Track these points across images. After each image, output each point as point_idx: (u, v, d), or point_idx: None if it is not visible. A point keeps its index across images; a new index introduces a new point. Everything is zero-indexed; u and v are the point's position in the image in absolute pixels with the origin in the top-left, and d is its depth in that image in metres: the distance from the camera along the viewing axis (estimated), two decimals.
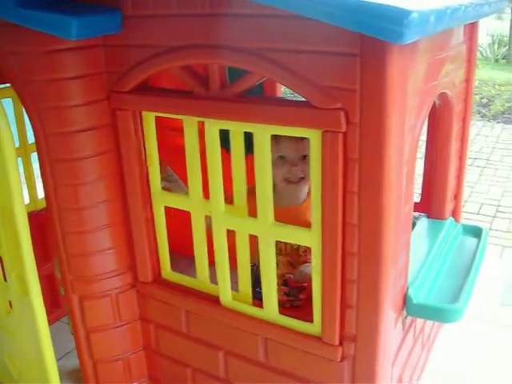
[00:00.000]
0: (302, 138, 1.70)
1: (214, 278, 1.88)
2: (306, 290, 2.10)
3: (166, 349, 2.08)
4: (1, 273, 2.12)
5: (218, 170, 1.66)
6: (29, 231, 1.84)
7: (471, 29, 2.11)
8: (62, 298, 2.31)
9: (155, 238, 1.94)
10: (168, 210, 1.90)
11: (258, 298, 1.80)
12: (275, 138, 1.80)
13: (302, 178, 1.99)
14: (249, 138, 1.60)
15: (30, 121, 1.77)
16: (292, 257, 2.09)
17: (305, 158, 1.92)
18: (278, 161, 1.93)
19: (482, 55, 12.59)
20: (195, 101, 1.61)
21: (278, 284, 1.74)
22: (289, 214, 1.87)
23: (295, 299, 2.17)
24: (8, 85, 1.89)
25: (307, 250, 2.00)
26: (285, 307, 2.02)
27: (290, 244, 2.04)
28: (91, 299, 1.98)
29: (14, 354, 2.27)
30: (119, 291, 2.00)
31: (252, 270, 1.80)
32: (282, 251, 2.07)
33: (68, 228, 1.88)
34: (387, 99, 1.31)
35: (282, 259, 2.10)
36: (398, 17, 1.10)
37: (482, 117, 7.73)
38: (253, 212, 1.67)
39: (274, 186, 1.87)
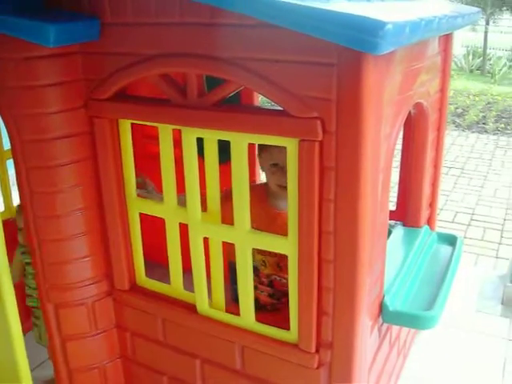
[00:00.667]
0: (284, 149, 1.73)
1: (188, 286, 1.89)
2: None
3: (143, 357, 2.07)
4: None
5: (195, 178, 1.67)
6: (3, 238, 1.82)
7: (446, 40, 2.14)
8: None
9: (131, 245, 1.94)
10: (143, 218, 1.90)
11: (235, 296, 1.79)
12: (268, 148, 1.87)
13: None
14: (222, 147, 1.61)
15: (6, 127, 1.76)
16: (280, 258, 2.09)
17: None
18: (272, 168, 1.96)
19: (457, 66, 12.75)
20: (173, 109, 1.61)
21: (263, 284, 1.74)
22: (285, 216, 1.90)
23: (278, 302, 2.16)
24: None
25: None
26: (266, 310, 2.03)
27: None
28: (67, 307, 1.96)
29: None
30: (95, 299, 1.98)
31: (230, 266, 1.79)
32: (270, 252, 2.07)
33: (44, 236, 1.87)
34: (363, 108, 1.32)
35: (271, 260, 2.11)
36: (374, 28, 1.12)
37: (456, 126, 7.82)
38: (226, 219, 1.68)
39: (271, 190, 1.97)
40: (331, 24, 1.18)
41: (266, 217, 1.99)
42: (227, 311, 1.81)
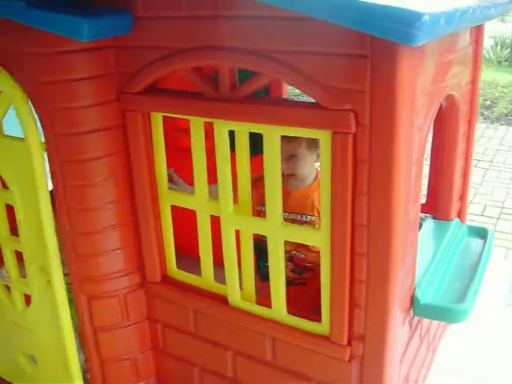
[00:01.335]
0: (291, 141, 1.77)
1: (218, 277, 1.90)
2: (312, 270, 2.13)
3: (174, 348, 2.09)
4: (16, 270, 2.15)
5: (227, 171, 1.68)
6: (53, 222, 1.89)
7: (477, 31, 2.12)
8: None
9: (162, 238, 1.96)
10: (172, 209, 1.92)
11: (262, 273, 1.80)
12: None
13: (292, 175, 2.06)
14: (252, 140, 1.62)
15: (40, 121, 1.78)
16: None
17: (293, 157, 2.00)
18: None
19: (485, 57, 12.58)
20: (205, 102, 1.62)
21: (285, 260, 1.75)
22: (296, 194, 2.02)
23: (300, 277, 2.17)
24: None
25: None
26: (292, 284, 2.03)
27: (299, 221, 2.06)
28: (99, 299, 1.99)
29: (32, 350, 2.30)
30: (127, 291, 2.01)
31: (260, 243, 1.81)
32: None
33: (77, 228, 1.89)
34: (397, 100, 1.32)
35: None
36: (411, 19, 1.12)
37: (485, 119, 7.73)
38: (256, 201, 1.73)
39: None
40: (367, 15, 1.17)
41: None
42: (257, 292, 1.83)
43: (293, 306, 1.76)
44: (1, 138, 1.94)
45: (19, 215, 1.98)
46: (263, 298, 1.82)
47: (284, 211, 1.69)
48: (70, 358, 2.08)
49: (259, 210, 1.95)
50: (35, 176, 1.83)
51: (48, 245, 1.91)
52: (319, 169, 1.53)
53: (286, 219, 1.92)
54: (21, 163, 1.87)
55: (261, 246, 1.81)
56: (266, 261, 1.73)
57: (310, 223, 2.06)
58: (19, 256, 2.13)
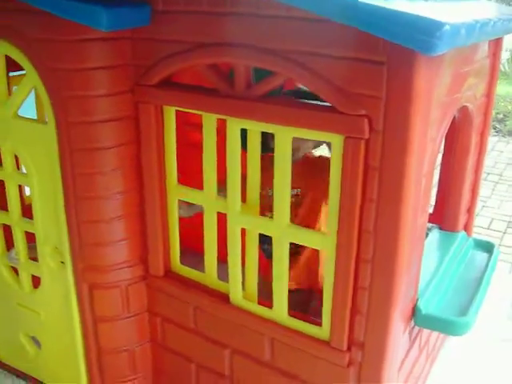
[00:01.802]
0: None
1: (220, 275, 1.90)
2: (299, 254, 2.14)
3: (172, 343, 2.09)
4: (25, 252, 2.17)
5: (237, 169, 1.67)
6: None
7: (496, 44, 2.11)
8: None
9: (168, 232, 1.95)
10: None
11: (266, 254, 1.83)
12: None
13: None
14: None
15: (53, 109, 1.78)
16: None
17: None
18: None
19: (500, 70, 12.49)
20: (220, 99, 1.61)
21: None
22: None
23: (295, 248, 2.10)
24: (21, 72, 1.91)
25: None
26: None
27: None
28: (101, 289, 1.99)
29: (36, 332, 2.32)
30: (129, 283, 2.00)
31: None
32: None
33: (83, 216, 1.89)
34: (412, 109, 1.31)
35: None
36: (432, 28, 1.11)
37: (497, 132, 7.69)
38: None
39: None
40: (389, 22, 1.16)
41: None
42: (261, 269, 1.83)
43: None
44: (20, 121, 1.95)
45: (35, 197, 2.00)
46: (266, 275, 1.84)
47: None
48: (77, 341, 2.10)
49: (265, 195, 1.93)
50: (55, 159, 1.85)
51: (63, 226, 1.93)
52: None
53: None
54: (41, 146, 1.89)
55: None
56: (270, 243, 1.72)
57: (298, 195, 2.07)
58: (27, 238, 2.15)
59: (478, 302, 1.91)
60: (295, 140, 1.56)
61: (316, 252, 2.09)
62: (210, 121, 1.70)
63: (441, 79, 1.47)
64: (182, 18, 1.61)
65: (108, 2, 1.59)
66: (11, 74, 2.07)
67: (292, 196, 1.76)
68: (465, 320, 1.80)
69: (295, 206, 2.05)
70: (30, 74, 1.82)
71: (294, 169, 1.62)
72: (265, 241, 1.81)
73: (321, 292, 1.66)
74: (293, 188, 1.70)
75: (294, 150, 1.61)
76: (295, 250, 2.11)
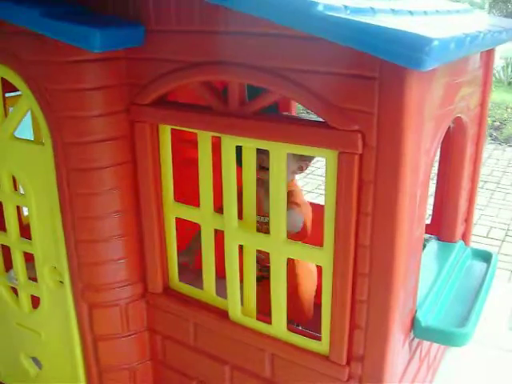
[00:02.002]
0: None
1: (219, 291, 1.91)
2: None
3: (173, 360, 2.09)
4: (24, 272, 2.18)
5: (233, 186, 1.68)
6: None
7: (488, 54, 2.12)
8: None
9: (166, 249, 1.96)
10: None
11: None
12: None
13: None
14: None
15: (49, 129, 1.79)
16: None
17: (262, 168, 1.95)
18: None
19: (495, 78, 12.58)
20: (214, 116, 1.62)
21: None
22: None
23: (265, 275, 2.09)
24: (17, 93, 1.94)
25: None
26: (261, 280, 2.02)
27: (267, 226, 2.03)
28: (101, 307, 1.99)
29: (37, 352, 2.32)
30: (129, 301, 2.01)
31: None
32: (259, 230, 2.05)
33: (81, 236, 1.89)
34: (404, 123, 1.32)
35: None
36: (420, 44, 1.12)
37: (493, 140, 7.73)
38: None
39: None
40: (376, 38, 1.17)
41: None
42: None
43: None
44: (17, 142, 1.96)
45: (33, 217, 2.01)
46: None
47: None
48: (78, 360, 2.10)
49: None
50: (52, 179, 1.86)
51: (61, 246, 1.94)
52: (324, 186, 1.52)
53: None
54: (38, 167, 1.91)
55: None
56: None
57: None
58: (26, 258, 2.16)
59: (478, 312, 1.91)
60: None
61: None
62: (205, 138, 1.71)
63: (433, 92, 1.48)
64: (175, 37, 1.62)
65: (101, 23, 1.61)
66: (7, 94, 2.09)
67: (264, 224, 1.76)
68: (464, 331, 1.79)
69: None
70: (25, 96, 1.83)
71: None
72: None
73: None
74: (263, 215, 1.72)
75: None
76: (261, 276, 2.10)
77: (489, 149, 7.15)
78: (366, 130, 1.38)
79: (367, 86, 1.34)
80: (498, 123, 8.61)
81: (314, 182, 5.67)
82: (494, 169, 6.32)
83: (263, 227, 2.08)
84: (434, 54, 1.13)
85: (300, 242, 1.71)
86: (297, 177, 2.38)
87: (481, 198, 5.21)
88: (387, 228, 1.43)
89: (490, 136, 7.83)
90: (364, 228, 1.47)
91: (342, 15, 1.22)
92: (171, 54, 1.64)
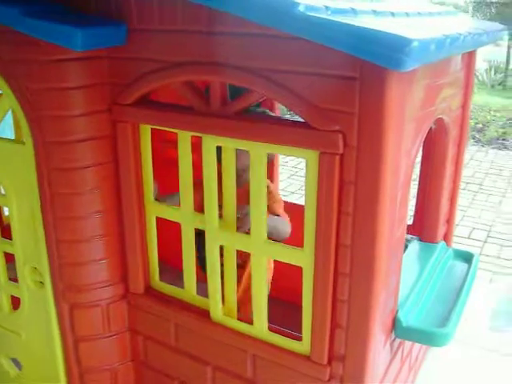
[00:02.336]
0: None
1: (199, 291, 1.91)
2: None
3: (154, 361, 2.08)
4: (5, 272, 2.17)
5: (214, 185, 1.68)
6: None
7: (469, 56, 2.14)
8: None
9: (147, 249, 1.95)
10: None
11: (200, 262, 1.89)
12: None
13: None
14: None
15: (30, 129, 1.78)
16: None
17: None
18: None
19: (479, 80, 12.69)
20: (195, 116, 1.62)
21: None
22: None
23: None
24: None
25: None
26: None
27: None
28: (82, 308, 1.98)
29: (17, 353, 2.30)
30: (110, 301, 2.00)
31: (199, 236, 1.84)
32: None
33: (62, 236, 1.88)
34: (385, 123, 1.33)
35: None
36: (400, 44, 1.12)
37: (476, 142, 7.79)
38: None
39: None
40: (356, 39, 1.18)
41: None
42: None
43: None
44: None
45: (14, 218, 1.99)
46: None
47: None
48: (58, 361, 2.09)
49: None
50: (33, 179, 1.84)
51: (42, 246, 1.93)
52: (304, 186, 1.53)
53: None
54: (18, 166, 1.89)
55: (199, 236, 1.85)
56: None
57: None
58: (7, 259, 2.15)
59: (458, 313, 1.92)
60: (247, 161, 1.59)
61: None
62: (185, 138, 1.70)
63: (413, 93, 1.49)
64: (157, 37, 1.62)
65: (83, 22, 1.60)
66: None
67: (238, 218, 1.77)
68: (445, 331, 1.81)
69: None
70: (6, 95, 1.82)
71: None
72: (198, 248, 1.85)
73: None
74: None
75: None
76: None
77: (471, 150, 7.20)
78: (346, 131, 1.38)
79: (348, 86, 1.34)
80: (480, 125, 8.68)
81: (297, 183, 5.68)
82: (476, 170, 6.37)
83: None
84: (414, 55, 1.14)
85: (281, 243, 1.71)
86: (280, 177, 2.38)
87: (463, 200, 5.25)
88: (368, 228, 1.44)
89: (473, 138, 7.89)
90: (345, 228, 1.47)
91: (323, 16, 1.22)
92: (154, 53, 1.64)
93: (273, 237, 1.92)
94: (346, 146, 1.39)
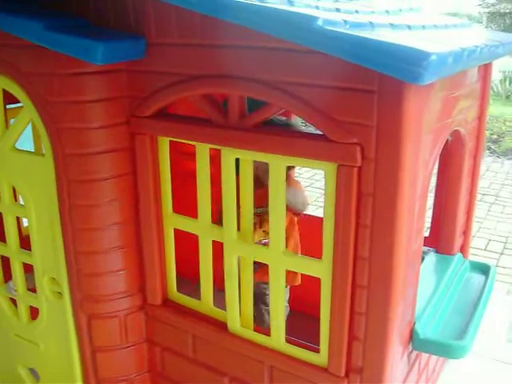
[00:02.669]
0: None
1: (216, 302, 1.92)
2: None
3: (171, 372, 2.08)
4: (23, 283, 2.18)
5: (233, 198, 1.69)
6: None
7: (485, 68, 2.14)
8: None
9: (165, 261, 1.97)
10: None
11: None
12: None
13: None
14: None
15: (50, 141, 1.81)
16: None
17: None
18: None
19: (493, 91, 12.61)
20: (214, 129, 1.63)
21: None
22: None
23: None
24: (18, 105, 1.97)
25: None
26: None
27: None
28: (100, 319, 1.99)
29: (34, 364, 2.32)
30: (127, 312, 2.01)
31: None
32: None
33: (81, 247, 1.90)
34: (403, 136, 1.33)
35: None
36: (418, 58, 1.13)
37: (491, 153, 7.75)
38: None
39: None
40: (374, 53, 1.19)
41: None
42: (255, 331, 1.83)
43: None
44: (18, 153, 1.97)
45: (33, 229, 2.01)
46: None
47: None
48: (76, 372, 2.11)
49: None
50: (53, 191, 1.87)
51: (60, 257, 1.95)
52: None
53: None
54: (38, 178, 1.92)
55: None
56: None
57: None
58: (26, 269, 2.17)
59: (476, 325, 1.91)
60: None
61: None
62: (203, 150, 1.72)
63: (431, 106, 1.50)
64: (175, 50, 1.64)
65: (103, 36, 1.63)
66: (8, 106, 2.11)
67: (256, 215, 1.79)
68: (462, 343, 1.80)
69: (260, 224, 2.10)
70: (27, 107, 1.85)
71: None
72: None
73: None
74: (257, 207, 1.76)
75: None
76: None
77: (487, 162, 7.17)
78: (364, 143, 1.39)
79: (366, 99, 1.35)
80: (495, 136, 8.64)
81: (313, 195, 5.69)
82: (492, 182, 6.33)
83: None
84: (432, 69, 1.15)
85: (299, 254, 1.71)
86: None
87: (479, 211, 5.22)
88: (386, 240, 1.44)
89: (488, 149, 7.85)
90: (363, 240, 1.48)
91: (342, 30, 1.24)
92: (172, 66, 1.66)
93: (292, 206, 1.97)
94: (364, 158, 1.40)
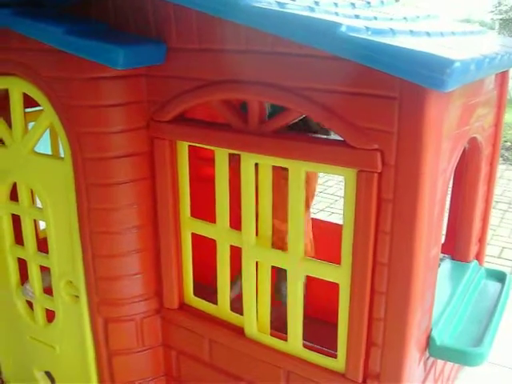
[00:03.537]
0: None
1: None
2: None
3: (187, 376, 2.09)
4: (40, 285, 2.20)
5: (252, 203, 1.70)
6: None
7: (502, 76, 2.14)
8: None
9: (182, 265, 1.97)
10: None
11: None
12: None
13: None
14: None
15: (69, 144, 1.82)
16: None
17: None
18: None
19: (507, 98, 12.54)
20: (233, 134, 1.64)
21: None
22: None
23: None
24: (36, 108, 2.00)
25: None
26: None
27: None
28: (116, 322, 2.00)
29: (50, 365, 2.33)
30: (144, 316, 2.02)
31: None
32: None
33: (98, 251, 1.91)
34: (424, 142, 1.34)
35: None
36: (441, 65, 1.14)
37: (504, 160, 7.71)
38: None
39: None
40: (397, 60, 1.19)
41: None
42: (272, 330, 1.84)
43: None
44: (37, 157, 1.99)
45: (50, 232, 2.03)
46: None
47: None
48: (92, 375, 2.12)
49: None
50: (71, 194, 1.88)
51: (78, 260, 1.96)
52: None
53: None
54: (57, 181, 1.93)
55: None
56: None
57: None
58: (41, 268, 2.19)
59: (493, 332, 1.91)
60: None
61: None
62: (222, 155, 1.73)
63: (450, 112, 1.50)
64: (196, 56, 1.65)
65: (124, 41, 1.64)
66: (27, 110, 2.12)
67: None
68: (479, 350, 1.79)
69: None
70: (47, 111, 1.86)
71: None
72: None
73: None
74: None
75: None
76: None
77: (500, 169, 7.12)
78: (385, 149, 1.39)
79: (387, 105, 1.36)
80: (509, 144, 8.58)
81: (326, 201, 5.67)
82: (505, 189, 6.29)
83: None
84: (456, 76, 1.15)
85: (317, 259, 1.71)
86: None
87: (493, 218, 5.15)
88: (405, 246, 1.44)
89: (502, 156, 7.80)
90: (382, 246, 1.48)
91: (365, 36, 1.24)
92: (192, 71, 1.67)
93: None
94: (385, 164, 1.40)
